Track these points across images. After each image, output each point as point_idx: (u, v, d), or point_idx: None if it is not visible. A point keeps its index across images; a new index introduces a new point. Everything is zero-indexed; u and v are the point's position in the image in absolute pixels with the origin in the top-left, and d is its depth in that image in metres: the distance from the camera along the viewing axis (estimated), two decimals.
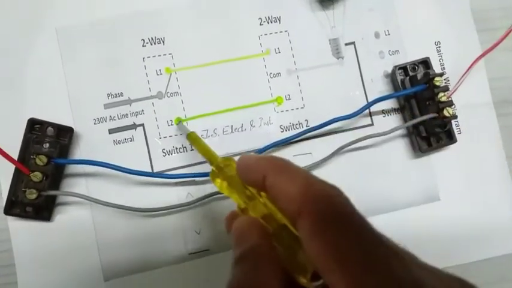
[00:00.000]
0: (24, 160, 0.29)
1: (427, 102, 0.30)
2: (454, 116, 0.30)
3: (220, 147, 0.32)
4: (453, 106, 0.30)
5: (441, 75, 0.30)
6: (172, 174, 0.31)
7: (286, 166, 0.19)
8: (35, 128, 0.29)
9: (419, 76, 0.31)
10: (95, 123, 0.31)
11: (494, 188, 0.34)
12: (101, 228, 0.31)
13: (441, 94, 0.29)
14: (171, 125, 0.32)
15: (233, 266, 0.18)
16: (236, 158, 0.23)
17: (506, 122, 0.34)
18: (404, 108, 0.32)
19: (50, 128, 0.29)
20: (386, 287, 0.14)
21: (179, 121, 0.31)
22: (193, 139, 0.28)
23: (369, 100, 0.32)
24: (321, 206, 0.17)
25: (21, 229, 0.30)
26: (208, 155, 0.26)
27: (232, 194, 0.22)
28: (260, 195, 0.21)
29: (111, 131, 0.31)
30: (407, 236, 0.32)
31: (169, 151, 0.32)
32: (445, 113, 0.29)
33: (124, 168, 0.29)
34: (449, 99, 0.30)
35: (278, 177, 0.19)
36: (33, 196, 0.28)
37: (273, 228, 0.19)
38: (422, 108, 0.31)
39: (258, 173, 0.19)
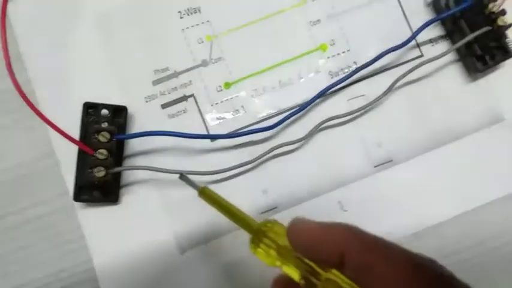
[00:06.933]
0: (85, 142, 0.29)
1: (477, 18, 0.29)
2: (510, 24, 0.29)
3: (272, 104, 0.32)
4: (506, 15, 0.29)
5: None
6: (230, 134, 0.30)
7: (371, 240, 0.16)
8: (89, 112, 0.30)
9: None
10: (146, 101, 0.32)
11: None
12: (169, 202, 0.31)
13: (491, 5, 0.29)
14: (221, 90, 0.32)
15: None
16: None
17: None
18: (453, 33, 0.32)
19: (104, 110, 0.30)
20: None
21: (181, 174, 0.25)
22: (209, 198, 0.23)
23: (414, 30, 0.32)
24: None
25: (90, 215, 0.30)
26: (240, 218, 0.21)
27: (284, 266, 0.19)
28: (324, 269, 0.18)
29: (164, 106, 0.32)
30: (477, 161, 0.31)
31: (224, 117, 0.31)
32: (499, 22, 0.28)
33: (185, 133, 0.29)
34: (501, 8, 0.29)
35: (369, 255, 0.16)
36: (102, 174, 0.28)
37: None
38: (473, 26, 0.30)
39: (330, 247, 0.16)
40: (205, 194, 0.23)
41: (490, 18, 0.29)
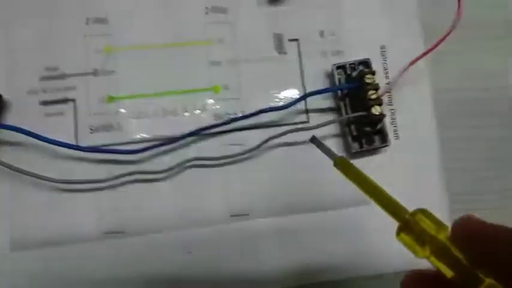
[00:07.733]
0: None
1: (359, 100, 0.30)
2: (382, 115, 0.29)
3: (149, 130, 0.32)
4: (382, 105, 0.29)
5: (373, 73, 0.29)
6: (91, 147, 0.30)
7: None
8: None
9: (354, 74, 0.30)
10: (28, 94, 0.31)
11: (428, 200, 0.32)
12: (17, 199, 0.30)
13: (371, 92, 0.29)
14: (103, 102, 0.32)
15: None
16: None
17: (446, 133, 0.33)
18: (339, 108, 0.32)
19: None
20: None
21: (313, 136, 0.23)
22: (346, 170, 0.21)
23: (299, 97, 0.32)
24: None
25: None
26: (385, 201, 0.19)
27: (433, 258, 0.17)
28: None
29: (43, 103, 0.31)
30: (335, 238, 0.31)
31: (97, 128, 0.31)
32: (373, 111, 0.29)
33: (44, 137, 0.29)
34: (380, 98, 0.29)
35: None
36: None
37: None
38: (355, 107, 0.30)
39: None
40: (341, 164, 0.21)
41: (368, 105, 0.29)
